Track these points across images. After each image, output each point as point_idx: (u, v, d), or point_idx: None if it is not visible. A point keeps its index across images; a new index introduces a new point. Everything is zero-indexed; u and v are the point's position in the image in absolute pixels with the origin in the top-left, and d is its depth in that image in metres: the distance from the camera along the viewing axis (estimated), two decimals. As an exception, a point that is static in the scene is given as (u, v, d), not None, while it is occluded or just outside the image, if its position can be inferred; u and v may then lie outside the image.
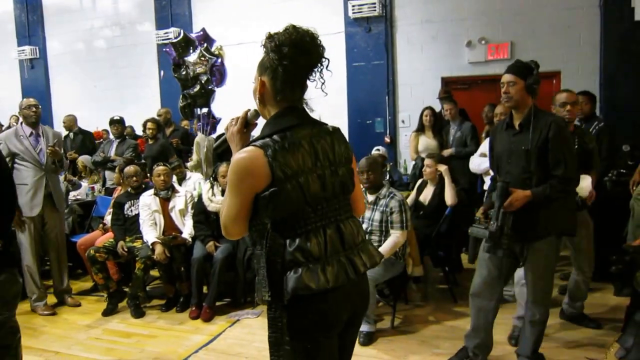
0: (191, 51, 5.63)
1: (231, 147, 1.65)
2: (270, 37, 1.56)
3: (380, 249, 3.52)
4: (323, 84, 1.60)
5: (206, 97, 5.72)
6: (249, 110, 1.66)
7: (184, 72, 5.58)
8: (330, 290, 1.53)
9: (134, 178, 4.64)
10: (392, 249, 3.57)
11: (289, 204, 1.52)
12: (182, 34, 5.91)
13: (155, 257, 4.12)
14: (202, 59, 5.59)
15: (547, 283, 2.86)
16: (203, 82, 5.56)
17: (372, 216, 3.67)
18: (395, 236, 3.57)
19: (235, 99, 6.53)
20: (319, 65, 1.58)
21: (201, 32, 5.85)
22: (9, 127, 8.52)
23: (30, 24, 9.55)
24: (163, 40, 8.10)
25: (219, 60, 5.72)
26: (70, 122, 7.24)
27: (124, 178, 4.79)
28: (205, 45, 5.71)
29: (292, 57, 1.53)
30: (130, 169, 4.74)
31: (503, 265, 2.87)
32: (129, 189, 4.68)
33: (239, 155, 1.53)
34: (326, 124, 1.69)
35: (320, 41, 1.57)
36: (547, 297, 2.88)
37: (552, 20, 6.44)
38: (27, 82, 9.67)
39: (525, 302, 2.99)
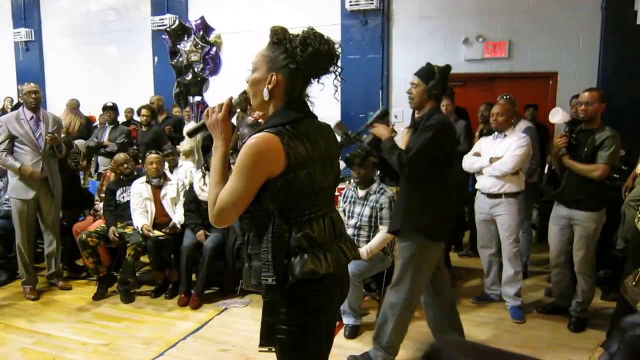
0: (186, 39, 5.61)
1: (213, 134, 1.68)
2: (303, 40, 1.58)
3: (369, 245, 3.57)
4: (336, 91, 1.67)
5: (200, 85, 5.71)
6: (233, 97, 1.68)
7: (180, 60, 5.56)
8: (329, 275, 1.61)
9: (125, 165, 4.64)
10: (380, 245, 3.59)
11: (300, 191, 1.59)
12: (177, 22, 5.89)
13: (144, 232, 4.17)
14: (197, 47, 5.57)
15: (411, 288, 2.85)
16: (197, 70, 5.55)
17: (362, 211, 3.69)
18: (384, 232, 3.58)
19: (231, 86, 6.55)
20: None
21: (200, 20, 5.82)
22: (2, 109, 8.49)
23: (26, 6, 9.45)
24: (158, 26, 8.06)
25: (214, 49, 5.70)
26: (74, 106, 7.24)
27: (116, 165, 4.77)
28: (201, 33, 5.69)
29: (321, 65, 1.61)
30: (119, 156, 4.73)
31: None
32: (121, 176, 4.69)
33: (255, 139, 1.55)
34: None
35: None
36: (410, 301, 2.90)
37: (552, 20, 6.42)
38: (22, 64, 9.59)
39: None
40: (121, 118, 7.43)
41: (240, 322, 3.83)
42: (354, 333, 3.51)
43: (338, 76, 1.68)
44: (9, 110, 7.89)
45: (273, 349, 1.67)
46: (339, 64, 1.67)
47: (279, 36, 1.61)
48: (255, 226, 1.63)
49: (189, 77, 5.62)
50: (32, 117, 4.29)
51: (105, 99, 6.53)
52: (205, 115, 1.69)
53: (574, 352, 3.25)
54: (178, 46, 5.71)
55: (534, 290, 4.40)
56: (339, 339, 3.43)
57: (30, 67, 9.46)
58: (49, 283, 4.60)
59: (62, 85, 8.89)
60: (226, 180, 1.61)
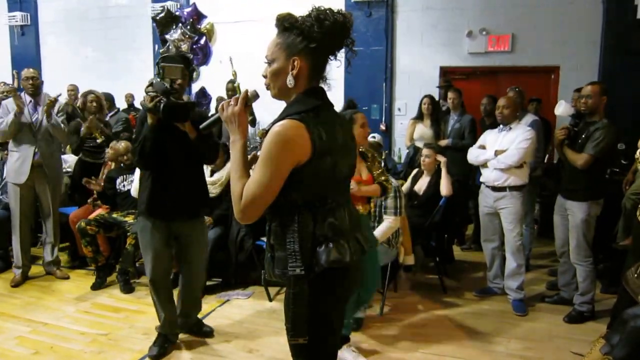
0: (174, 28, 5.51)
1: (229, 128, 1.63)
2: (317, 16, 1.54)
3: (374, 233, 3.54)
4: (349, 65, 1.64)
5: (189, 75, 5.62)
6: (249, 90, 1.64)
7: (169, 49, 5.46)
8: (352, 265, 1.61)
9: (125, 157, 4.54)
10: (385, 234, 3.57)
11: (324, 179, 1.57)
12: (165, 10, 5.78)
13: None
14: (185, 36, 5.48)
15: None
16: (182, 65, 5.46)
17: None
18: (389, 221, 3.57)
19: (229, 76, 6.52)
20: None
21: (191, 8, 5.73)
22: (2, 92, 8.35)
23: (22, -11, 9.28)
24: (158, 13, 7.93)
25: (203, 39, 5.61)
26: (75, 92, 7.15)
27: (116, 155, 4.66)
28: (191, 21, 5.58)
29: (339, 38, 1.58)
30: (121, 145, 4.61)
31: None
32: (122, 165, 4.61)
33: (281, 127, 1.50)
34: None
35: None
36: None
37: (555, 14, 6.42)
38: (17, 49, 9.41)
39: None
40: (122, 104, 7.35)
41: (242, 313, 3.79)
42: (357, 326, 3.48)
43: (351, 47, 1.64)
44: (2, 95, 7.76)
45: (304, 340, 1.61)
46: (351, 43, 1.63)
47: (290, 21, 1.57)
48: (279, 216, 1.59)
49: None
50: (30, 102, 4.26)
51: (103, 85, 6.42)
52: (221, 109, 1.65)
53: (575, 345, 3.25)
54: (166, 35, 5.61)
55: (536, 283, 4.41)
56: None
57: (26, 51, 9.29)
58: (47, 272, 4.55)
59: (59, 71, 8.74)
60: (248, 174, 1.56)
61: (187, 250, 3.22)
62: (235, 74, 6.18)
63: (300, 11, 1.61)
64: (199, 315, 3.53)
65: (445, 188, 4.17)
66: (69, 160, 5.65)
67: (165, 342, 3.19)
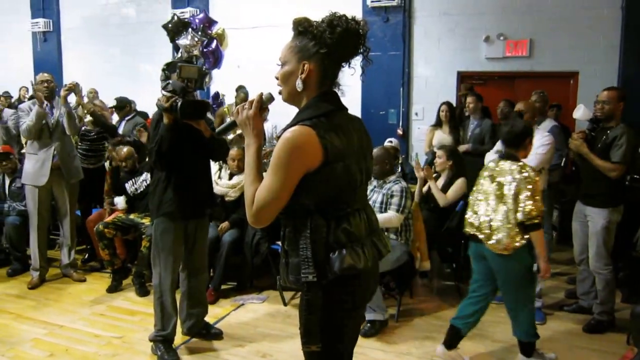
0: (184, 34, 5.57)
1: (244, 131, 1.63)
2: (330, 22, 1.54)
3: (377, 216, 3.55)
4: (363, 72, 1.63)
5: (201, 79, 5.67)
6: (263, 93, 1.64)
7: (181, 55, 5.53)
8: (365, 271, 1.59)
9: (123, 164, 4.52)
10: (384, 221, 3.57)
11: (337, 185, 1.55)
12: (175, 18, 5.84)
13: None
14: (197, 41, 5.54)
15: None
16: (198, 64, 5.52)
17: (376, 198, 3.74)
18: (391, 213, 3.61)
19: (251, 81, 6.56)
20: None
21: (202, 15, 5.80)
22: (18, 98, 8.53)
23: (45, -4, 9.48)
24: (169, 21, 8.02)
25: (214, 43, 5.65)
26: (95, 96, 7.29)
27: (119, 159, 4.65)
28: (201, 27, 5.64)
29: (352, 45, 1.57)
30: (123, 150, 4.55)
31: None
32: (124, 170, 4.61)
33: (291, 133, 1.50)
34: None
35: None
36: None
37: (573, 19, 6.33)
38: (40, 55, 9.60)
39: None
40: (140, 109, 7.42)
41: (257, 318, 3.78)
42: (374, 331, 3.44)
43: (366, 55, 1.62)
44: (25, 99, 7.92)
45: (317, 347, 1.58)
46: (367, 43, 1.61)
47: (304, 25, 1.58)
48: (292, 222, 1.58)
49: None
50: (46, 105, 4.33)
51: (124, 90, 6.49)
52: (236, 113, 1.64)
53: (594, 355, 3.19)
54: (177, 41, 5.68)
55: (554, 291, 4.32)
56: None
57: (48, 57, 9.47)
58: (64, 274, 4.60)
59: (80, 77, 8.81)
60: (261, 178, 1.56)
61: (195, 250, 3.24)
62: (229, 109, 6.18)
63: (318, 16, 1.61)
64: (212, 320, 3.53)
65: (440, 200, 4.15)
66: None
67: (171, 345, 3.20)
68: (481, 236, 2.94)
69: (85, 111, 4.91)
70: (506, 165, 2.92)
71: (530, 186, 2.81)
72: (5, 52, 9.82)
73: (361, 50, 1.60)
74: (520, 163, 2.91)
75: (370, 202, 3.70)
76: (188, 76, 2.92)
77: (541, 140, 3.71)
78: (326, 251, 1.53)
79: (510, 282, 2.94)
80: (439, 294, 4.28)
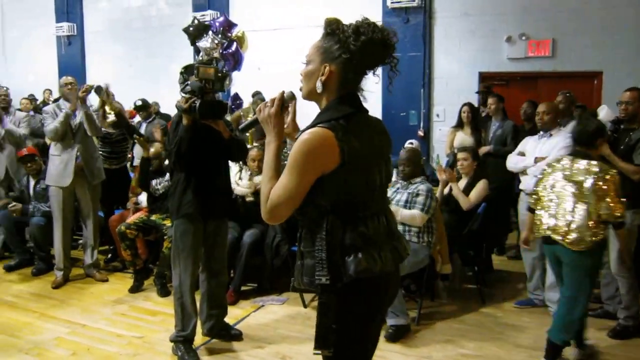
0: (204, 36, 5.61)
1: (265, 129, 1.64)
2: (356, 28, 1.53)
3: (401, 211, 3.59)
4: (390, 84, 1.62)
5: (222, 81, 5.70)
6: (285, 92, 1.65)
7: (201, 57, 5.57)
8: (383, 276, 1.57)
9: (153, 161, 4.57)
10: (407, 217, 3.58)
11: (355, 187, 1.54)
12: (196, 21, 5.89)
13: None
14: (217, 44, 5.58)
15: None
16: (218, 66, 5.55)
17: (400, 197, 3.73)
18: (416, 211, 3.59)
19: (270, 82, 6.56)
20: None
21: (222, 18, 5.83)
22: (43, 101, 8.71)
23: (69, 1, 9.65)
24: (189, 25, 8.10)
25: (234, 45, 5.69)
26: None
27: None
28: (221, 30, 5.68)
29: (376, 54, 1.56)
30: (151, 150, 4.60)
31: None
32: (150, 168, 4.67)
33: (308, 135, 1.50)
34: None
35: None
36: None
37: (597, 18, 6.24)
38: (64, 58, 9.79)
39: None
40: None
41: (276, 319, 3.78)
42: (396, 336, 3.40)
43: (394, 67, 1.61)
44: (49, 102, 8.07)
45: (328, 352, 1.56)
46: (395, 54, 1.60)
47: (333, 27, 1.57)
48: (308, 223, 1.58)
49: None
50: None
51: (145, 93, 6.58)
52: (258, 111, 1.66)
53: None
54: (198, 44, 5.73)
55: (579, 297, 4.21)
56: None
57: (72, 61, 9.65)
58: (87, 274, 4.67)
59: (103, 80, 9.02)
60: (279, 176, 1.56)
61: (215, 251, 3.26)
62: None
63: (343, 19, 1.60)
64: (232, 321, 3.54)
65: (463, 203, 4.10)
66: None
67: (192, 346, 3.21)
68: (558, 237, 2.94)
69: (111, 110, 4.98)
70: (582, 164, 2.93)
71: (612, 185, 2.85)
72: (31, 56, 10.04)
73: (387, 61, 1.59)
74: (599, 162, 2.94)
75: (394, 202, 3.69)
76: (205, 77, 2.96)
77: (564, 141, 3.66)
78: (342, 254, 1.52)
79: (577, 275, 2.96)
80: (460, 297, 4.22)
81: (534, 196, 3.23)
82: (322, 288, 1.52)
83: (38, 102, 8.49)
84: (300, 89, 1.66)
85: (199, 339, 3.35)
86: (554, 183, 3.02)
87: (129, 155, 6.12)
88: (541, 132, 3.84)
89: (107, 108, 4.97)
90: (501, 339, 3.45)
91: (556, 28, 6.43)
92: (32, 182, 5.00)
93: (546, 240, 3.03)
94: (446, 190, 4.30)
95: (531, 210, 3.30)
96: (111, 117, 5.10)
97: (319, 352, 1.55)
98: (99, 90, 5.03)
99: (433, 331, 3.57)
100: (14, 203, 4.86)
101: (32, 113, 7.02)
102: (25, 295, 4.32)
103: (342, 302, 1.53)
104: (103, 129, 5.09)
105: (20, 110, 7.88)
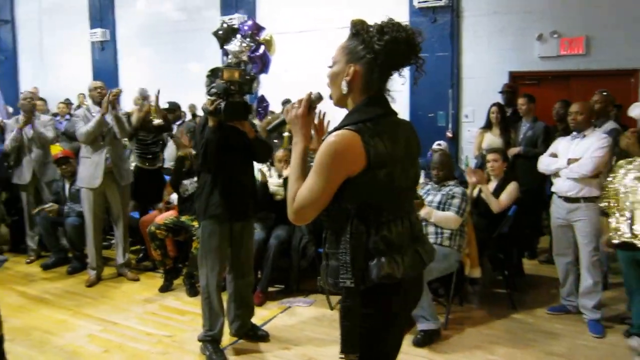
0: (233, 39, 5.67)
1: (293, 130, 1.66)
2: (380, 28, 1.53)
3: (434, 210, 3.57)
4: (415, 84, 1.62)
5: (249, 83, 5.75)
6: (312, 93, 1.66)
7: (229, 60, 5.64)
8: (405, 280, 1.56)
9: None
10: (442, 218, 3.56)
11: (380, 191, 1.54)
12: (225, 25, 5.95)
13: None
14: (244, 47, 5.64)
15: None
16: (246, 69, 5.61)
17: (433, 199, 3.69)
18: (451, 214, 3.56)
19: (296, 84, 6.59)
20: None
21: (251, 22, 5.88)
22: (78, 105, 8.97)
23: (103, 7, 9.93)
24: (218, 29, 8.21)
25: (261, 48, 5.73)
26: (139, 100, 7.56)
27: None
28: (250, 33, 5.72)
29: (400, 53, 1.54)
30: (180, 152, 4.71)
31: None
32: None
33: (335, 137, 1.51)
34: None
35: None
36: None
37: (632, 13, 6.03)
38: (98, 63, 10.09)
39: None
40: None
41: (303, 321, 3.79)
42: (424, 341, 3.36)
43: (420, 67, 1.60)
44: (83, 106, 8.31)
45: (355, 357, 1.55)
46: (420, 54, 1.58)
47: (358, 27, 1.58)
48: (333, 225, 1.59)
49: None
50: (98, 111, 4.51)
51: (175, 96, 6.71)
52: (286, 112, 1.68)
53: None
54: (226, 47, 5.80)
55: (615, 302, 4.08)
56: (406, 345, 3.32)
57: (106, 65, 9.93)
58: (119, 273, 4.79)
59: (135, 84, 9.23)
60: (305, 177, 1.56)
61: (241, 252, 3.29)
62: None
63: (368, 19, 1.60)
64: (259, 322, 3.56)
65: (493, 206, 4.03)
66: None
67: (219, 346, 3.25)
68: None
69: (157, 115, 5.14)
70: None
71: None
72: (67, 62, 10.38)
73: (413, 61, 1.58)
74: None
75: (426, 204, 3.66)
76: (230, 79, 3.00)
77: (598, 142, 3.57)
78: (365, 258, 1.52)
79: None
80: (490, 302, 4.14)
81: (604, 201, 3.16)
82: (346, 291, 1.52)
83: (73, 106, 8.75)
84: (330, 96, 1.67)
85: (226, 339, 3.39)
86: (629, 185, 2.92)
87: (161, 156, 6.26)
88: (574, 133, 3.73)
89: (152, 112, 5.15)
90: (533, 346, 3.37)
91: (590, 24, 6.25)
92: (67, 184, 5.15)
93: (626, 246, 2.94)
94: (475, 193, 4.22)
95: (605, 214, 3.24)
96: (157, 121, 5.25)
97: (345, 357, 1.55)
98: (144, 93, 5.18)
99: (461, 337, 3.51)
100: (50, 204, 5.01)
101: (68, 117, 7.25)
102: (61, 292, 4.45)
103: (365, 306, 1.53)
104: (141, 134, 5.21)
105: (56, 114, 8.16)
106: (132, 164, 5.45)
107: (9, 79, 11.24)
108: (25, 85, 10.45)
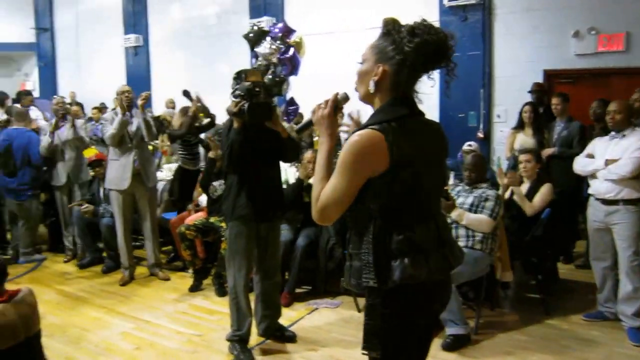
0: (263, 42, 5.71)
1: (319, 130, 1.65)
2: (411, 29, 1.51)
3: (466, 212, 3.51)
4: (447, 87, 1.57)
5: (279, 85, 5.79)
6: (338, 93, 1.65)
7: (259, 62, 5.69)
8: (430, 282, 1.54)
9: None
10: (474, 221, 3.48)
11: (403, 191, 1.52)
12: (255, 28, 6.00)
13: None
14: (274, 49, 5.67)
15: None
16: (276, 71, 5.64)
17: (465, 200, 3.63)
18: (484, 216, 3.48)
19: (326, 86, 6.59)
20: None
21: (282, 25, 5.91)
22: (114, 109, 9.21)
23: (136, 14, 10.19)
24: (249, 32, 8.30)
25: (291, 50, 5.75)
26: (170, 104, 7.73)
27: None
28: (280, 36, 5.75)
29: (430, 56, 1.52)
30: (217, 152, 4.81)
31: None
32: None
33: (358, 137, 1.50)
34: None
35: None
36: None
37: (676, 7, 5.77)
38: (132, 68, 10.35)
39: None
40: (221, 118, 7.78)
41: (330, 323, 3.78)
42: (453, 346, 3.29)
43: (451, 71, 1.57)
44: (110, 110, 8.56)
45: (376, 354, 1.57)
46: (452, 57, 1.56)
47: (389, 27, 1.56)
48: (356, 225, 1.58)
49: (269, 78, 5.74)
50: (124, 114, 4.62)
51: (206, 99, 6.79)
52: (312, 112, 1.68)
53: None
54: (256, 49, 5.85)
55: (656, 310, 3.90)
56: (435, 349, 3.26)
57: (139, 70, 10.18)
58: (150, 273, 4.89)
59: (167, 88, 9.44)
60: (329, 177, 1.56)
61: (268, 253, 3.30)
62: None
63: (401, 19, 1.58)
64: (286, 323, 3.56)
65: (526, 208, 3.91)
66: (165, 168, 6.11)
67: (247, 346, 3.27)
68: None
69: (204, 116, 5.31)
70: None
71: None
72: (102, 67, 10.69)
73: (444, 64, 1.56)
74: None
75: (457, 204, 3.61)
76: (253, 80, 3.01)
77: (638, 142, 3.43)
78: (387, 258, 1.51)
79: None
80: (522, 307, 4.03)
81: None
82: (369, 291, 1.52)
83: (109, 110, 8.98)
84: (356, 89, 1.66)
85: (254, 339, 3.41)
86: None
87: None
88: (612, 133, 3.60)
89: (199, 114, 5.32)
90: (568, 353, 3.25)
91: (630, 20, 6.00)
92: (102, 186, 5.29)
93: None
94: (507, 195, 4.12)
95: None
96: (206, 120, 5.37)
97: (367, 353, 1.58)
98: (187, 94, 5.46)
99: (493, 342, 3.43)
100: (86, 205, 5.15)
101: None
102: (96, 291, 4.57)
103: (387, 306, 1.53)
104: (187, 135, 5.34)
105: (91, 118, 8.41)
106: (175, 164, 5.59)
107: (49, 84, 11.69)
108: (64, 90, 10.83)
